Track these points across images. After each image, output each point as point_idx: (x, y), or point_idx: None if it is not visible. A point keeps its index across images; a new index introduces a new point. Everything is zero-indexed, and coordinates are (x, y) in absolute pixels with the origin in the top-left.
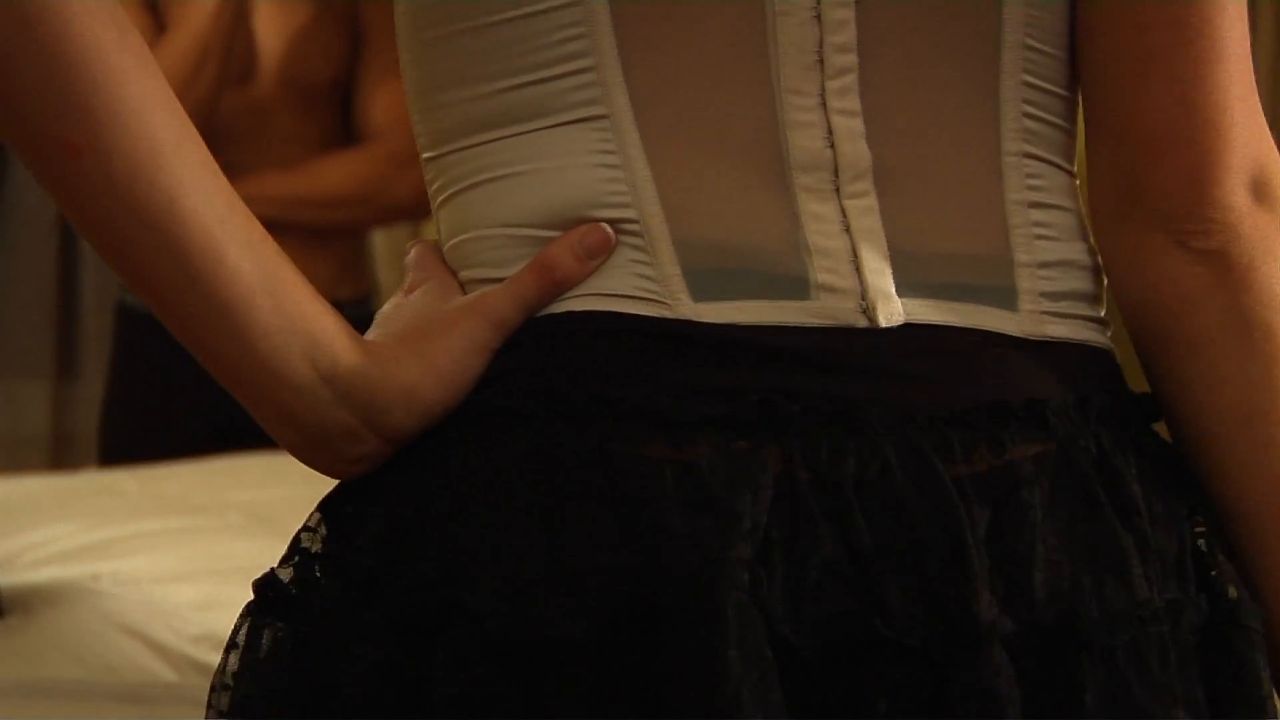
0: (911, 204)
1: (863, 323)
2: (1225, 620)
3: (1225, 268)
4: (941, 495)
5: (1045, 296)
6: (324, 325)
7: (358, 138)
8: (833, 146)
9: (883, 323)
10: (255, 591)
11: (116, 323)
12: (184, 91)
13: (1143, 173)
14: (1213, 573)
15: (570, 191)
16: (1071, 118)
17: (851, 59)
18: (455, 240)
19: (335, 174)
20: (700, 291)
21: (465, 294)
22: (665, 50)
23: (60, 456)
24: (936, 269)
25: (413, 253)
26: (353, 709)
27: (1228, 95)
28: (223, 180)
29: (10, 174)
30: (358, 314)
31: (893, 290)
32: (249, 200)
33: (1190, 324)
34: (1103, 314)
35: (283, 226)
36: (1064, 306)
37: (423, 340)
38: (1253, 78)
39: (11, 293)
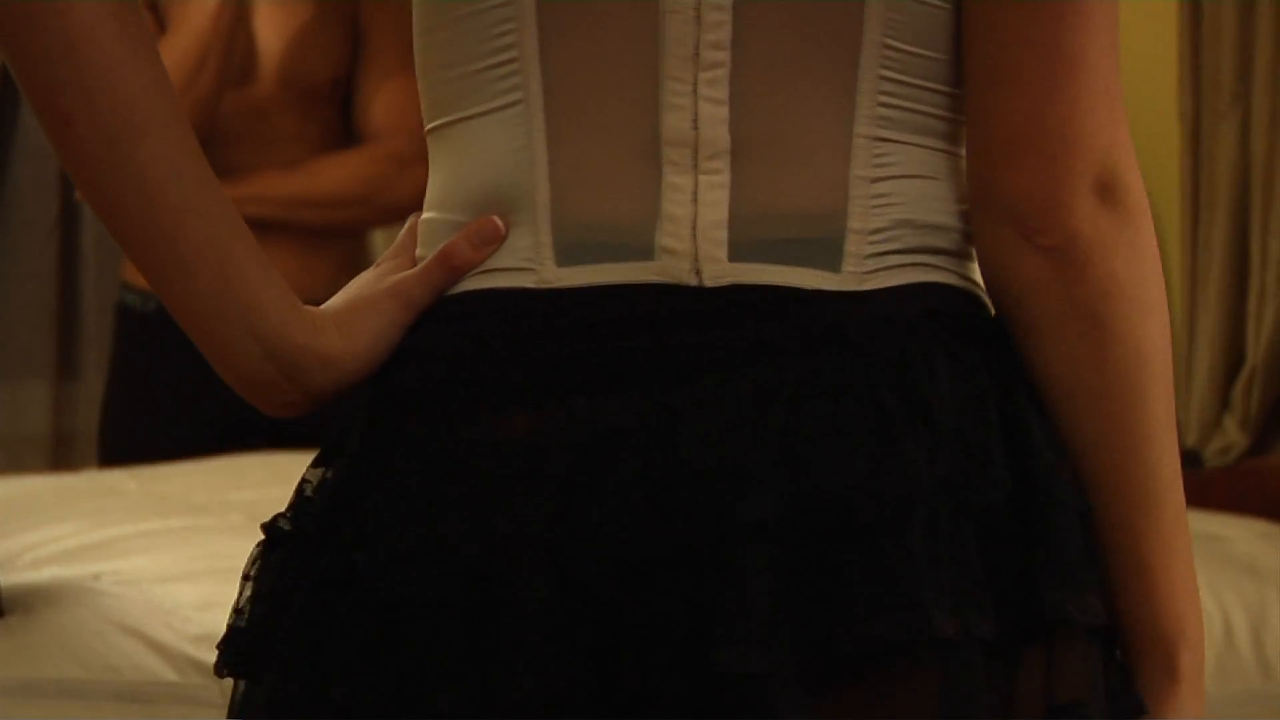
0: (761, 180)
1: (693, 281)
2: (1039, 493)
3: (1064, 263)
4: (734, 412)
5: (872, 257)
6: (263, 292)
7: (358, 138)
8: (696, 128)
9: (709, 283)
10: (263, 531)
11: (116, 323)
12: (184, 91)
13: (994, 175)
14: (1029, 459)
15: (486, 175)
16: (945, 106)
17: (724, 55)
18: (420, 219)
19: (335, 174)
20: (564, 258)
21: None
22: (575, 43)
23: (60, 456)
24: (772, 237)
25: (406, 225)
26: (287, 648)
27: (1076, 107)
28: (196, 161)
29: (10, 174)
30: None
31: (723, 255)
32: (249, 200)
33: (1031, 309)
34: (955, 265)
35: (283, 226)
36: (892, 260)
37: (350, 315)
38: (1111, 82)
39: (12, 293)
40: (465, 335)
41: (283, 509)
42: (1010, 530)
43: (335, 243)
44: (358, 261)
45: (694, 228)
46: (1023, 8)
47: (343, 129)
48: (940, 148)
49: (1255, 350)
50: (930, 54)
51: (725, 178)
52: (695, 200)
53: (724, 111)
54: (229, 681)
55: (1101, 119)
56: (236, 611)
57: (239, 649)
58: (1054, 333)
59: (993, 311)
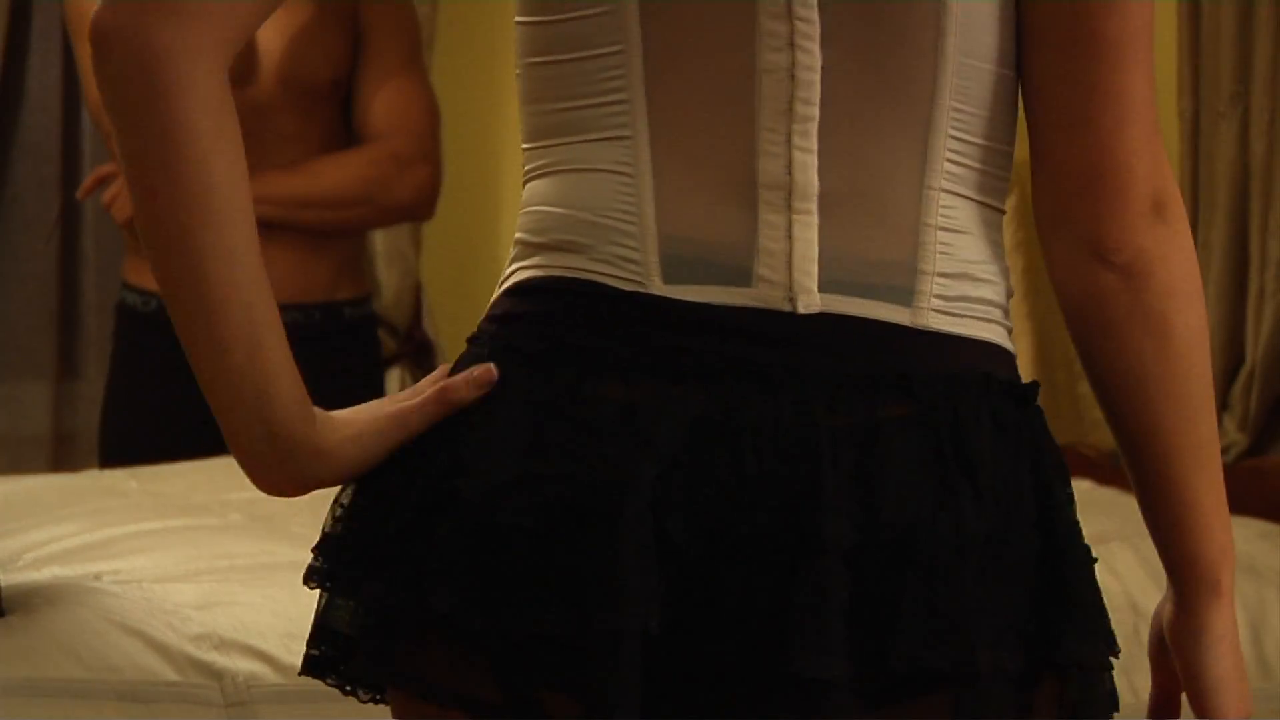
0: (845, 222)
1: (787, 308)
2: (1061, 548)
3: (1131, 274)
4: (814, 437)
5: (939, 298)
6: (279, 381)
7: (358, 138)
8: (790, 173)
9: (801, 310)
10: None
11: (117, 323)
12: None
13: (1071, 204)
14: (1052, 515)
15: (591, 188)
16: (997, 163)
17: (814, 110)
18: (521, 210)
19: (336, 174)
20: (670, 276)
21: (509, 264)
22: (679, 93)
23: (61, 456)
24: (855, 273)
25: (433, 375)
26: (390, 562)
27: (1137, 143)
28: (253, 255)
29: (11, 174)
30: (358, 313)
31: (814, 286)
32: None
33: (1103, 314)
34: (1001, 316)
35: (283, 227)
36: (956, 307)
37: (351, 423)
38: (1154, 114)
39: (12, 293)
40: (578, 310)
41: (282, 509)
42: (1033, 580)
43: (335, 243)
44: (358, 261)
45: (789, 261)
46: (1089, 58)
47: (343, 129)
48: (992, 204)
49: (1254, 350)
50: (989, 114)
51: (814, 219)
52: (789, 237)
53: (813, 160)
54: (229, 681)
55: (1153, 149)
56: (333, 524)
57: (335, 561)
58: (1123, 331)
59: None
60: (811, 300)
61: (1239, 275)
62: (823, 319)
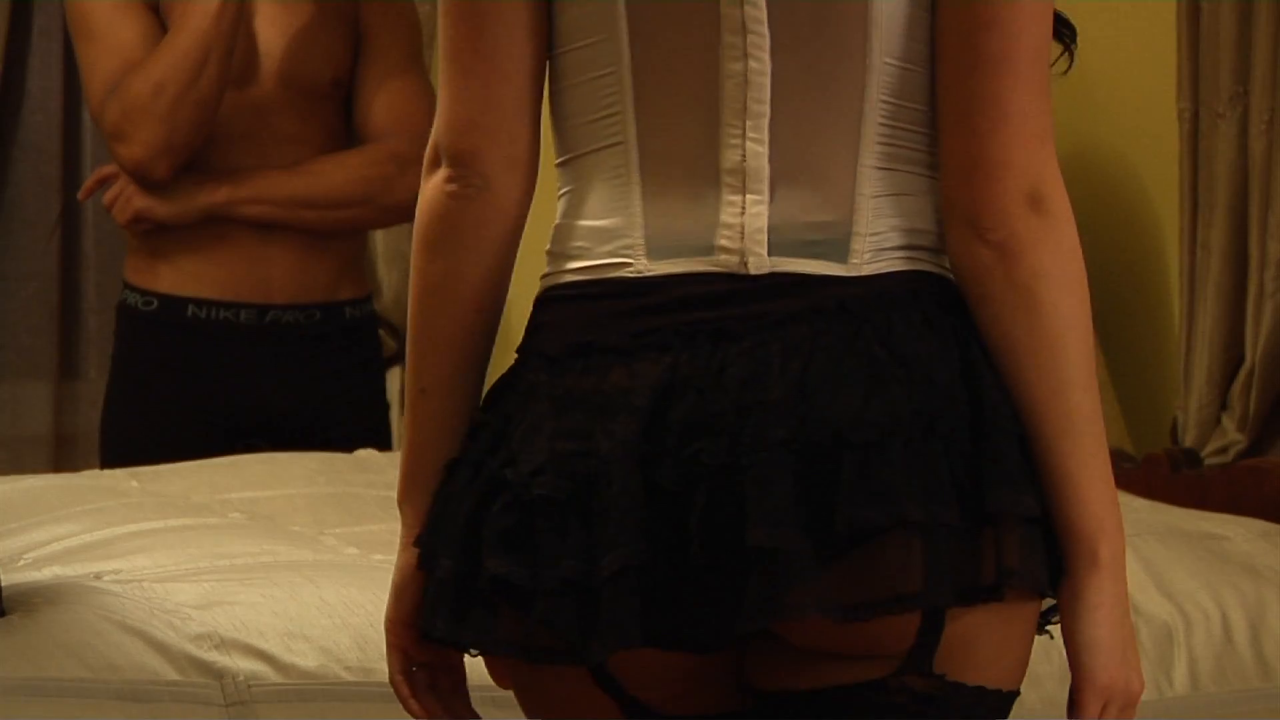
0: (791, 198)
1: (741, 270)
2: (988, 420)
3: (1004, 252)
4: (765, 363)
5: (870, 253)
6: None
7: (358, 139)
8: (745, 160)
9: (753, 271)
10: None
11: (118, 323)
12: (185, 92)
13: (956, 191)
14: (980, 394)
15: (593, 198)
16: (918, 141)
17: (764, 108)
18: (557, 223)
19: (336, 175)
20: (653, 255)
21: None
22: (659, 101)
23: (62, 456)
24: (799, 238)
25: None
26: (457, 540)
27: (1010, 144)
28: (463, 415)
29: (11, 174)
30: (359, 313)
31: (764, 252)
32: (250, 201)
33: (981, 286)
34: (930, 256)
35: (284, 227)
36: (885, 255)
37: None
38: (1039, 123)
39: (13, 293)
40: (581, 313)
41: (282, 509)
42: (967, 448)
43: (336, 243)
44: (359, 261)
45: (743, 233)
46: (970, 70)
47: (343, 130)
48: (922, 173)
49: (1254, 350)
50: (913, 105)
51: (765, 196)
52: (744, 213)
53: (764, 149)
54: (229, 681)
55: (1030, 152)
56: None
57: (425, 546)
58: (997, 303)
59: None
60: (762, 263)
61: (1238, 275)
62: (771, 277)
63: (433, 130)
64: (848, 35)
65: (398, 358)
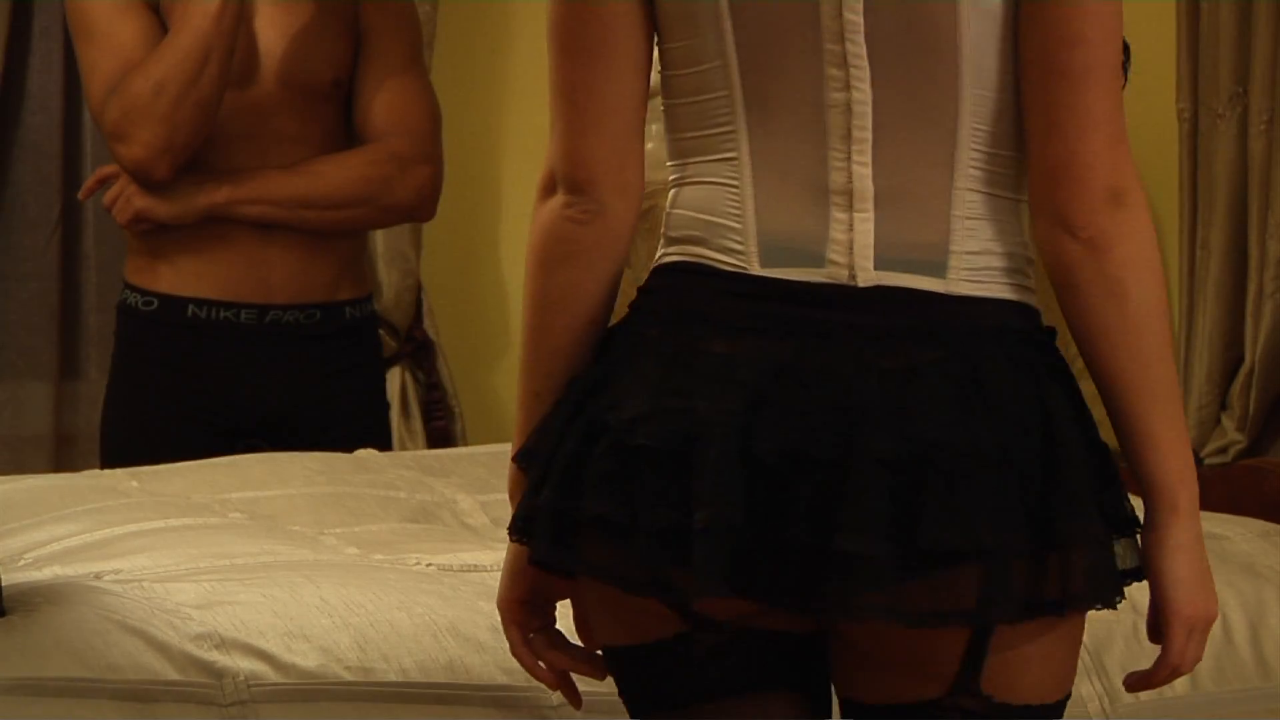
0: (893, 216)
1: (850, 282)
2: (1059, 455)
3: (1094, 247)
4: (865, 375)
5: (966, 270)
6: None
7: (359, 139)
8: (851, 182)
9: (860, 284)
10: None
11: (118, 323)
12: (186, 92)
13: (1049, 194)
14: (1054, 430)
15: (709, 196)
16: (1006, 164)
17: (867, 134)
18: (666, 212)
19: (337, 175)
20: (765, 261)
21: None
22: (768, 124)
23: (62, 456)
24: (901, 254)
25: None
26: (560, 474)
27: (1097, 148)
28: (557, 391)
29: (12, 174)
30: (359, 313)
31: (870, 266)
32: (251, 201)
33: (1073, 278)
34: (1020, 280)
35: (285, 227)
36: (980, 275)
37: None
38: (1117, 125)
39: (13, 292)
40: (697, 286)
41: (282, 509)
42: (1039, 479)
43: (336, 243)
44: (359, 262)
45: (851, 247)
46: (1057, 82)
47: (344, 130)
48: (1009, 196)
49: (1253, 350)
50: (1001, 129)
51: (870, 215)
52: (851, 229)
53: (868, 171)
54: (229, 681)
55: (1113, 153)
56: (531, 436)
57: (529, 468)
58: (1087, 294)
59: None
60: (868, 276)
61: (1238, 275)
62: (876, 290)
63: (547, 158)
64: (941, 69)
65: (398, 358)
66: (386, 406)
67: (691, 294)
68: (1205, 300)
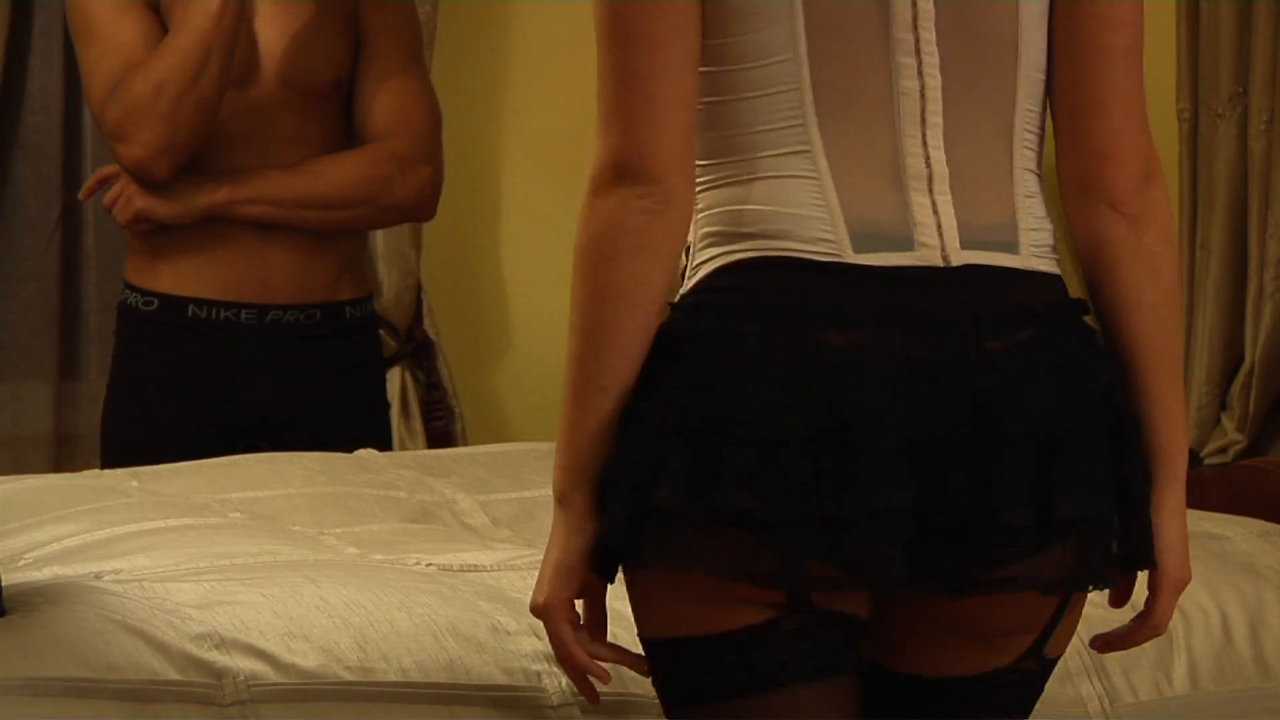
0: (967, 197)
1: (941, 263)
2: (1123, 425)
3: (1134, 221)
4: (980, 359)
5: (1032, 245)
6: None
7: (359, 139)
8: (929, 166)
9: (954, 263)
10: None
11: (118, 323)
12: (186, 92)
13: (1094, 171)
14: (1115, 400)
15: (784, 190)
16: (1039, 144)
17: (940, 119)
18: (705, 212)
19: (337, 175)
20: (858, 247)
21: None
22: (839, 114)
23: (62, 456)
24: (979, 233)
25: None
26: (680, 472)
27: (1140, 127)
28: (622, 397)
29: (12, 174)
30: (359, 313)
31: (959, 246)
32: (251, 202)
33: (1113, 252)
34: (1057, 252)
35: (285, 227)
36: (1041, 250)
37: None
38: (1143, 105)
39: (14, 293)
40: (794, 280)
41: (282, 509)
42: (1109, 449)
43: (337, 243)
44: (359, 261)
45: (939, 230)
46: (1100, 65)
47: (344, 130)
48: (1039, 174)
49: (1253, 350)
50: (1040, 109)
51: (949, 197)
52: (935, 212)
53: (942, 155)
54: (229, 681)
55: (1147, 132)
56: (621, 441)
57: (627, 472)
58: (1127, 267)
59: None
60: (959, 256)
61: (1238, 275)
62: (966, 269)
63: (608, 149)
64: (1003, 53)
65: (398, 358)
66: (386, 406)
67: (791, 287)
68: (1205, 300)
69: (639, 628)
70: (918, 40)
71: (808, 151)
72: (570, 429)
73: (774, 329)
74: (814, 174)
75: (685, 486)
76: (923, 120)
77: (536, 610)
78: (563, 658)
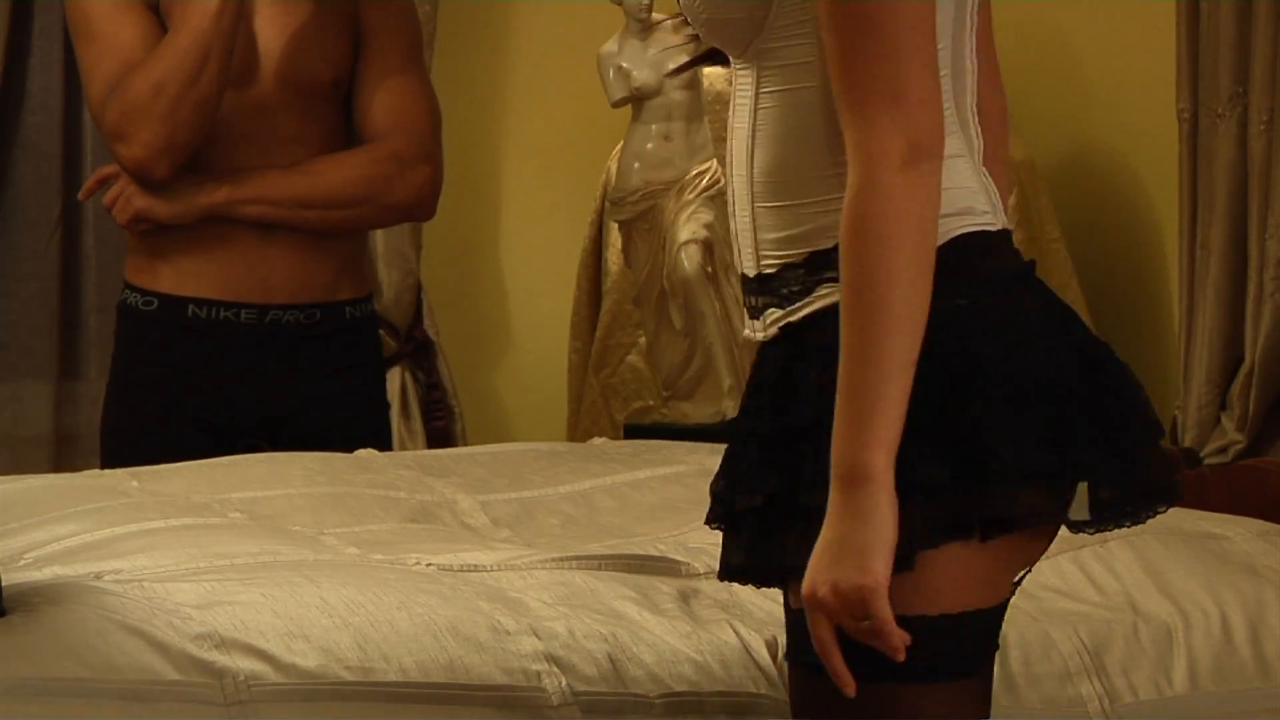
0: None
1: (1002, 226)
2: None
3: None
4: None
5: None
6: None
7: (359, 138)
8: (983, 145)
9: (1010, 225)
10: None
11: (118, 323)
12: (186, 91)
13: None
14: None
15: (958, 167)
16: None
17: (976, 101)
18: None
19: (337, 175)
20: (996, 216)
21: None
22: (958, 98)
23: (62, 456)
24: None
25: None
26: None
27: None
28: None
29: (12, 174)
30: (359, 313)
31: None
32: (250, 201)
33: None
34: None
35: (285, 227)
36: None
37: None
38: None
39: (14, 293)
40: (1002, 249)
41: (282, 509)
42: None
43: (337, 243)
44: (359, 261)
45: (992, 199)
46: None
47: (343, 129)
48: None
49: (1253, 350)
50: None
51: (984, 170)
52: (992, 183)
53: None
54: (229, 681)
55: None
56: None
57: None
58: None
59: None
60: (1006, 219)
61: (1238, 275)
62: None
63: (904, 128)
64: (976, 45)
65: (398, 358)
66: (386, 406)
67: (1003, 257)
68: (1205, 300)
69: (927, 606)
70: (973, 29)
71: (957, 133)
72: (888, 405)
73: (1016, 295)
74: (965, 153)
75: (1055, 449)
76: (976, 105)
77: (867, 591)
78: (887, 633)
